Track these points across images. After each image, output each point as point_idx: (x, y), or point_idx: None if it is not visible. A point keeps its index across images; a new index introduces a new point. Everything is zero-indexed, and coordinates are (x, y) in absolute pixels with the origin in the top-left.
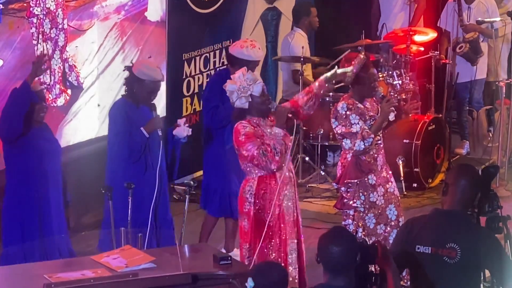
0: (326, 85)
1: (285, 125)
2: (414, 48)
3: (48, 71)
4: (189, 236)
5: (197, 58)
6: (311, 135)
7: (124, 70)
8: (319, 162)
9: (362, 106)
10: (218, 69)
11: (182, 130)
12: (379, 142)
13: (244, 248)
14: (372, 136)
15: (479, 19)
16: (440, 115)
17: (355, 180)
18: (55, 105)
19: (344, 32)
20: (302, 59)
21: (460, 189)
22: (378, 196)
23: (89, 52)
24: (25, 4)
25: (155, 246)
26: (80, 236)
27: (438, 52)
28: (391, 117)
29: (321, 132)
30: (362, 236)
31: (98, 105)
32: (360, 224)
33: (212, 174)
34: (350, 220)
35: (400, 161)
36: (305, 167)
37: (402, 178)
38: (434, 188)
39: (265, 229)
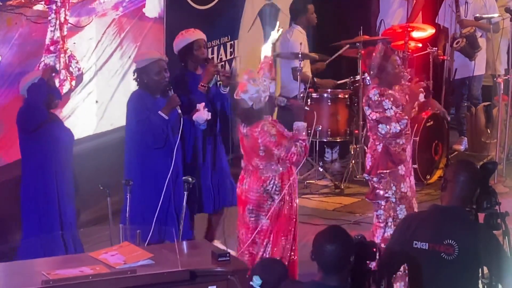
0: None
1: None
2: (412, 44)
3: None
4: None
5: None
6: (309, 131)
7: (134, 75)
8: (317, 159)
9: (394, 93)
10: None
11: (202, 114)
12: (408, 132)
13: (264, 244)
14: (406, 117)
15: (477, 15)
16: (438, 111)
17: (387, 171)
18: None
19: (343, 28)
20: (300, 55)
21: (459, 185)
22: (407, 186)
23: (87, 48)
24: (23, 1)
25: (173, 240)
26: (79, 233)
27: (436, 49)
28: (421, 97)
29: (319, 128)
30: (392, 225)
31: (96, 102)
32: (390, 215)
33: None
34: (381, 211)
35: None
36: (303, 164)
37: None
38: (432, 185)
39: (295, 225)
